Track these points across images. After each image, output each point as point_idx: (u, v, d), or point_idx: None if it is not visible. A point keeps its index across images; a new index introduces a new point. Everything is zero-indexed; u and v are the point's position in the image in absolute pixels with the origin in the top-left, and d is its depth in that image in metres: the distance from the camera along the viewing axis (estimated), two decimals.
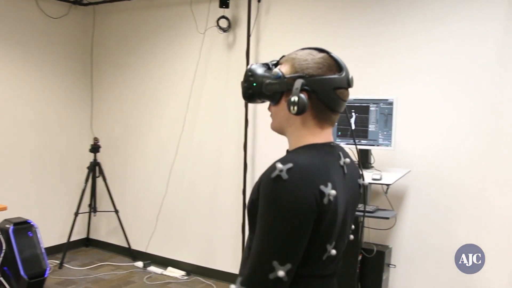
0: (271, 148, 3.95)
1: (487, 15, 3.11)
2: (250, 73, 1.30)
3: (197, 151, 4.32)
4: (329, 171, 1.20)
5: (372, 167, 3.28)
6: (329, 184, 1.16)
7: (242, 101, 3.93)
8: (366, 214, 2.97)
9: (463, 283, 3.22)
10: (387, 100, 3.09)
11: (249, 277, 1.12)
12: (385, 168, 3.26)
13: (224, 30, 4.02)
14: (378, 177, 2.89)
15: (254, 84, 1.29)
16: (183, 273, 4.33)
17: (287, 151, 1.35)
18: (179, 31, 4.39)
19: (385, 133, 3.10)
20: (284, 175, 1.11)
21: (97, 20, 4.94)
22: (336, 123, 3.38)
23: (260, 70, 1.31)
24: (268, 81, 1.27)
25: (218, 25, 4.01)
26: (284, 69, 1.28)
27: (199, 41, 4.21)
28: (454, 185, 3.24)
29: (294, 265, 1.12)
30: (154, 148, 4.60)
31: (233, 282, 1.21)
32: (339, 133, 3.23)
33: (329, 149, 1.28)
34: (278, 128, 1.35)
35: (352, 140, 3.18)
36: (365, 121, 3.15)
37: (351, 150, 2.57)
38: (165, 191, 4.45)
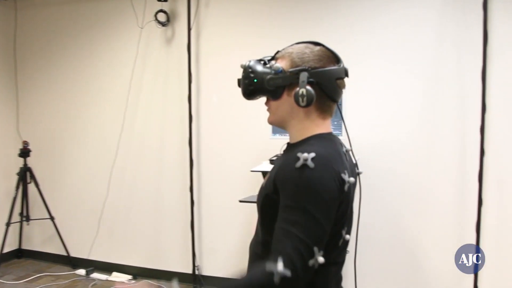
0: (216, 143, 3.92)
1: (424, 3, 3.29)
2: (250, 70, 1.30)
3: (139, 150, 4.17)
4: (342, 159, 1.23)
5: None
6: (346, 172, 1.19)
7: (185, 96, 3.87)
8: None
9: (410, 266, 3.40)
10: None
11: (293, 260, 1.05)
12: None
13: (163, 24, 3.90)
14: None
15: (255, 81, 1.29)
16: (129, 277, 4.18)
17: (288, 144, 1.36)
18: (115, 25, 4.20)
19: (335, 123, 3.17)
20: (311, 164, 1.12)
21: (20, 15, 4.59)
22: None
23: (259, 66, 1.30)
24: (269, 76, 1.27)
25: (156, 19, 3.88)
26: (283, 64, 1.29)
27: (136, 36, 4.06)
28: (399, 174, 3.41)
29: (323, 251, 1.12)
30: (91, 148, 4.37)
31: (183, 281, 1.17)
32: None
33: (334, 138, 1.31)
34: (279, 122, 1.35)
35: None
36: None
37: None
38: (107, 193, 4.26)
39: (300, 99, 1.20)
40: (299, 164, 1.12)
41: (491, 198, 3.17)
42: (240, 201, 2.98)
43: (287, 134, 3.35)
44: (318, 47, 1.30)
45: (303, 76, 1.21)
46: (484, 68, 3.10)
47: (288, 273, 1.03)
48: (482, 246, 3.17)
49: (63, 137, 4.49)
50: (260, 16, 3.73)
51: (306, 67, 1.24)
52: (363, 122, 3.44)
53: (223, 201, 3.89)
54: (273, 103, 1.32)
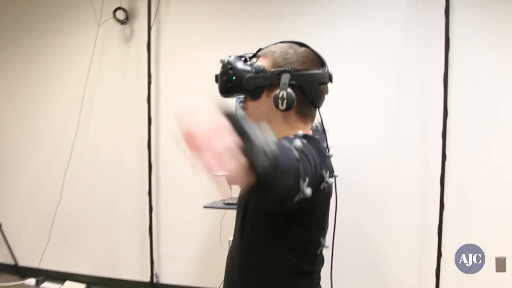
0: (176, 146, 3.79)
1: (392, 4, 3.32)
2: (229, 66, 1.21)
3: (94, 153, 3.98)
4: (325, 158, 1.18)
5: None
6: (327, 171, 1.14)
7: (144, 98, 3.73)
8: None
9: (372, 270, 3.40)
10: None
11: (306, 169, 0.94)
12: None
13: (122, 22, 3.75)
14: None
15: (234, 78, 1.20)
16: (83, 286, 3.98)
17: None
18: (71, 22, 4.00)
19: None
20: (303, 140, 1.05)
21: None
22: None
23: (239, 64, 1.22)
24: (249, 75, 1.19)
25: (115, 16, 3.73)
26: (264, 63, 1.21)
27: (93, 33, 3.88)
28: (361, 177, 3.40)
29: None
30: (43, 151, 4.13)
31: None
32: None
33: (318, 139, 1.24)
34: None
35: None
36: None
37: None
38: (59, 198, 4.03)
39: (280, 102, 1.13)
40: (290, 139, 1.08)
41: (452, 202, 3.22)
42: (205, 207, 2.88)
43: None
44: (303, 49, 1.24)
45: (285, 78, 1.15)
46: (446, 73, 3.14)
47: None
48: (443, 249, 3.20)
49: (13, 138, 4.24)
50: (222, 15, 3.65)
51: (289, 69, 1.18)
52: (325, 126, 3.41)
53: (184, 207, 3.77)
54: (251, 103, 1.24)
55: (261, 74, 1.18)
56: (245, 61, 1.24)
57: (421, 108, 3.26)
